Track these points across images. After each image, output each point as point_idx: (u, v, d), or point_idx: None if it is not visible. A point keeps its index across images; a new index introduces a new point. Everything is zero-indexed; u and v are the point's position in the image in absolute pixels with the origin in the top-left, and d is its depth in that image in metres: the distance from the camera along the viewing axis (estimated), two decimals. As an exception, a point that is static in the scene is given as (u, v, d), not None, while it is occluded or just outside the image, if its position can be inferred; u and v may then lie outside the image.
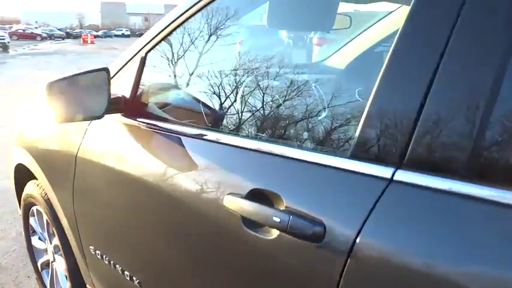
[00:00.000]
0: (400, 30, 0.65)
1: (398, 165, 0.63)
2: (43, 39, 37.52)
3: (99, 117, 1.12)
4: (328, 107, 0.85)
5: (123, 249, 1.21)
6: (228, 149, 0.89)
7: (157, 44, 1.20)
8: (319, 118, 0.83)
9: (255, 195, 0.77)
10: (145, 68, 1.22)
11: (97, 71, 1.12)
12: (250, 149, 0.83)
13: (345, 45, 1.97)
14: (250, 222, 0.76)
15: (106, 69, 1.13)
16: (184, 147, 1.00)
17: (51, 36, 41.24)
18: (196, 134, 0.99)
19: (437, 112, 0.60)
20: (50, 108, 1.00)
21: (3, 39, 21.55)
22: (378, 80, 0.66)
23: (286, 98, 0.93)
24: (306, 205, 0.70)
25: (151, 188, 1.03)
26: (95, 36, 40.16)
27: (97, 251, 1.30)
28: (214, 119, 1.07)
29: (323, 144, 0.83)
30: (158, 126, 1.09)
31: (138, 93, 1.22)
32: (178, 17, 1.13)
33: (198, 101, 1.18)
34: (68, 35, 47.80)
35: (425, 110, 0.61)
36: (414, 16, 0.64)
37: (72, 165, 1.33)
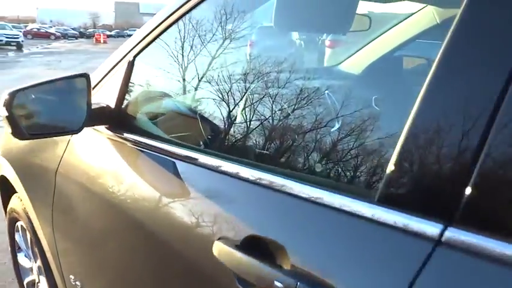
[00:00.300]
0: (452, 31, 0.47)
1: (448, 220, 0.45)
2: (57, 38, 37.84)
3: (76, 132, 0.96)
4: (349, 130, 0.67)
5: (103, 285, 1.05)
6: (225, 178, 0.71)
7: (147, 45, 1.03)
8: (338, 145, 0.65)
9: (252, 245, 0.59)
10: (133, 73, 1.05)
11: (75, 77, 0.97)
12: (251, 181, 0.66)
13: (362, 47, 1.79)
14: (245, 281, 0.59)
15: (85, 75, 0.96)
16: (174, 172, 0.83)
17: (65, 36, 41.58)
18: (188, 157, 0.81)
19: (507, 144, 0.43)
20: (9, 121, 0.83)
21: (18, 38, 21.72)
22: (422, 95, 0.48)
23: (297, 115, 0.75)
24: (319, 266, 0.52)
25: (133, 217, 0.87)
26: (108, 36, 40.42)
27: (77, 282, 1.15)
28: (211, 139, 0.90)
29: (342, 180, 0.65)
30: (147, 144, 0.92)
31: (125, 103, 1.06)
32: (173, 13, 0.97)
33: (195, 113, 1.01)
34: (82, 35, 48.18)
35: (490, 141, 0.43)
36: (482, 8, 0.46)
37: (52, 181, 1.17)
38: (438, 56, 0.48)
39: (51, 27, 48.17)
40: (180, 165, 0.82)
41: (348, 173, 0.63)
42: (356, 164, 0.63)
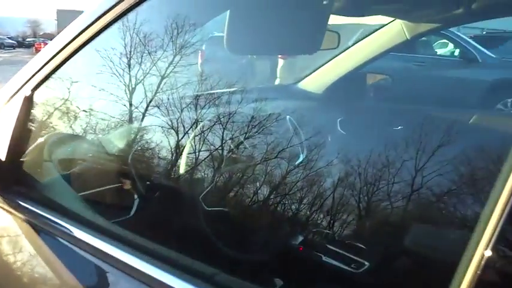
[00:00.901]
0: None
1: None
2: (-9, 48, 35.27)
3: None
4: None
5: None
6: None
7: (52, 73, 0.74)
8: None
9: None
10: (33, 112, 0.76)
11: None
12: None
13: (326, 62, 1.59)
14: None
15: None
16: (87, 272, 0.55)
17: (0, 46, 38.83)
18: (110, 256, 0.53)
19: None
20: None
21: None
22: None
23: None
24: None
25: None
26: (50, 45, 38.22)
27: None
28: (147, 217, 0.63)
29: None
30: (49, 223, 0.63)
31: (21, 154, 0.75)
32: (86, 29, 0.69)
33: (124, 164, 0.74)
34: (20, 44, 45.21)
35: None
36: None
37: None
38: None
39: (-16, 36, 44.87)
40: (97, 264, 0.54)
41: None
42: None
